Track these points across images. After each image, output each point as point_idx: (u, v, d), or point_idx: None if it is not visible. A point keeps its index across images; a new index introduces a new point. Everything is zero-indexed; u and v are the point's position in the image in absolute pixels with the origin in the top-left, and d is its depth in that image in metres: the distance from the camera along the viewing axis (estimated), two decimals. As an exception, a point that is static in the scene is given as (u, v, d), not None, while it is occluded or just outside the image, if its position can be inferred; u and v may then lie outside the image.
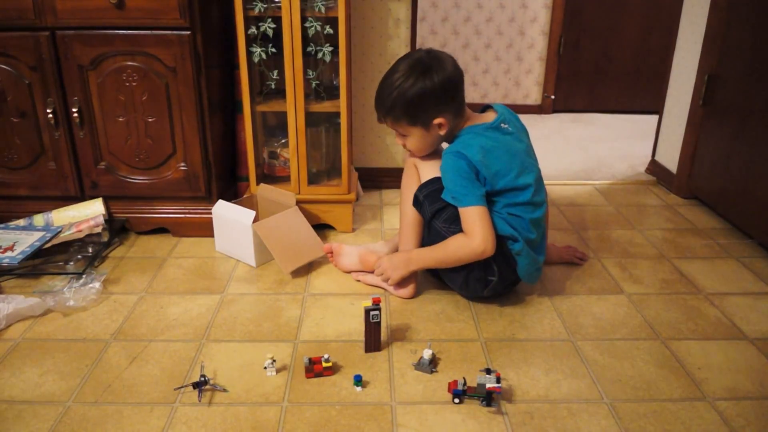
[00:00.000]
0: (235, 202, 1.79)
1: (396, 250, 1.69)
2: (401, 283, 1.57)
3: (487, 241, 1.40)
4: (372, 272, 1.65)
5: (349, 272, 1.71)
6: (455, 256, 1.45)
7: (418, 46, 2.25)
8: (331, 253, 1.73)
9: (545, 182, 1.61)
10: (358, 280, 1.68)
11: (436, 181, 1.50)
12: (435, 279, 1.65)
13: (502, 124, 1.49)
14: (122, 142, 1.81)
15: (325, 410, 1.19)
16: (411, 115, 1.46)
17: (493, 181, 1.43)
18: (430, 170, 1.53)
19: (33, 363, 1.32)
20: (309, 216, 1.94)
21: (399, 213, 1.63)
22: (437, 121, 1.46)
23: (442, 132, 1.49)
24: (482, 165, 1.42)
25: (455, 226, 1.46)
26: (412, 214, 1.57)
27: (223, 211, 1.78)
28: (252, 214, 1.69)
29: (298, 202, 1.87)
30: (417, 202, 1.54)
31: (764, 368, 1.33)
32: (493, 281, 1.48)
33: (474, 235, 1.40)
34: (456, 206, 1.44)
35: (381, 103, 1.49)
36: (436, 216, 1.49)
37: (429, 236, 1.54)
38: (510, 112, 1.54)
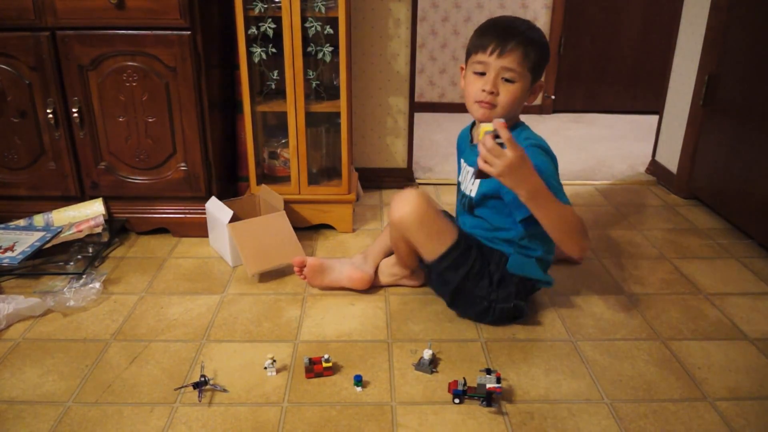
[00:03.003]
0: (235, 201, 1.80)
1: (382, 260, 1.62)
2: (411, 275, 1.59)
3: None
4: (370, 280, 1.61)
5: (329, 289, 1.61)
6: (577, 225, 1.25)
7: (418, 47, 2.26)
8: (302, 267, 1.57)
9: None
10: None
11: (453, 249, 1.38)
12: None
13: None
14: (122, 143, 1.81)
15: (325, 410, 1.19)
16: (540, 58, 1.33)
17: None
18: (434, 246, 1.39)
19: (33, 363, 1.32)
20: (309, 216, 1.95)
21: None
22: (540, 82, 1.38)
23: (531, 100, 1.39)
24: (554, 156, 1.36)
25: (500, 290, 1.39)
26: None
27: (211, 208, 1.78)
28: (230, 213, 1.68)
29: (298, 203, 1.86)
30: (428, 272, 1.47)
31: (764, 368, 1.33)
32: (521, 306, 1.43)
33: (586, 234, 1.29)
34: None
35: (518, 31, 1.31)
36: (468, 278, 1.38)
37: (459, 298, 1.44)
38: None
